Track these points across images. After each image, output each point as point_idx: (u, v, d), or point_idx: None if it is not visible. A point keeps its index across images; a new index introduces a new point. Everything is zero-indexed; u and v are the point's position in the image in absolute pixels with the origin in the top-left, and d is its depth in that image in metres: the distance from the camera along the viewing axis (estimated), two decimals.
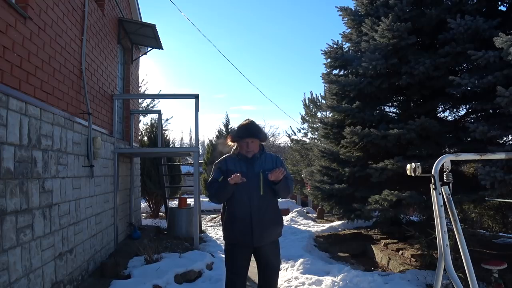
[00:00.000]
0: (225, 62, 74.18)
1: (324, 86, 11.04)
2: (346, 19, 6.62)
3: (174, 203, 11.14)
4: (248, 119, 2.86)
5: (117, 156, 5.90)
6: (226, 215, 2.77)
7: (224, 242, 2.89)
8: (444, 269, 1.90)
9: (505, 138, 5.15)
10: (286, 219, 10.53)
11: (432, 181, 1.93)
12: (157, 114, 9.19)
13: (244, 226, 2.65)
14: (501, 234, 7.23)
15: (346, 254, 6.66)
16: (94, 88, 4.98)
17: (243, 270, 2.76)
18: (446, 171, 1.97)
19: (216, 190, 2.69)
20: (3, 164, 2.66)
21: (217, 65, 73.23)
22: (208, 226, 10.00)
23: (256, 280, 2.95)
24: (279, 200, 3.10)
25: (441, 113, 6.33)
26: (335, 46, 6.74)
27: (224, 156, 2.87)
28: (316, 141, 13.55)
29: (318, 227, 9.33)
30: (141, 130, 10.52)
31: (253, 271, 2.97)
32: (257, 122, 2.89)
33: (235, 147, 2.85)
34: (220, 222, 2.98)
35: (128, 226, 6.81)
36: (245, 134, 2.73)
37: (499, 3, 5.22)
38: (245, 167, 2.73)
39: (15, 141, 2.84)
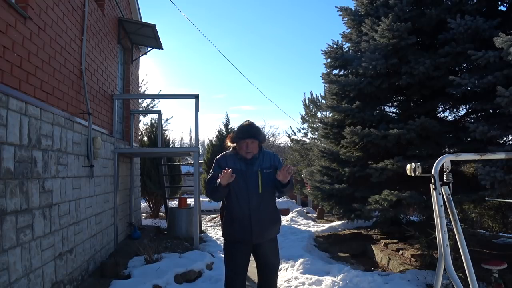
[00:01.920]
0: (225, 62, 74.24)
1: (324, 86, 11.03)
2: (346, 19, 6.62)
3: (174, 203, 11.14)
4: (248, 120, 2.86)
5: (117, 156, 5.90)
6: (225, 213, 2.77)
7: (223, 240, 2.89)
8: (444, 269, 1.90)
9: (505, 138, 5.15)
10: (286, 219, 10.53)
11: (432, 181, 1.93)
12: (157, 114, 9.19)
13: (243, 225, 2.66)
14: (501, 234, 7.23)
15: (346, 254, 6.66)
16: (94, 88, 4.98)
17: (242, 268, 2.76)
18: (446, 171, 1.97)
19: (212, 189, 2.70)
20: (3, 164, 2.66)
21: (217, 65, 73.22)
22: (208, 226, 10.00)
23: (256, 280, 2.95)
24: (280, 199, 3.11)
25: (441, 113, 6.34)
26: (335, 46, 6.74)
27: (224, 153, 2.87)
28: (316, 141, 13.54)
29: (318, 227, 9.33)
30: (141, 130, 10.52)
31: (253, 271, 2.97)
32: (257, 122, 2.90)
33: (233, 147, 2.84)
34: (220, 222, 2.97)
35: (128, 226, 6.81)
36: (245, 135, 2.73)
37: (499, 3, 5.22)
38: (244, 165, 2.74)
39: (15, 141, 2.84)
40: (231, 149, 2.86)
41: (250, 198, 2.67)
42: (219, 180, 2.56)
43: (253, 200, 2.67)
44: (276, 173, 2.65)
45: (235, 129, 2.88)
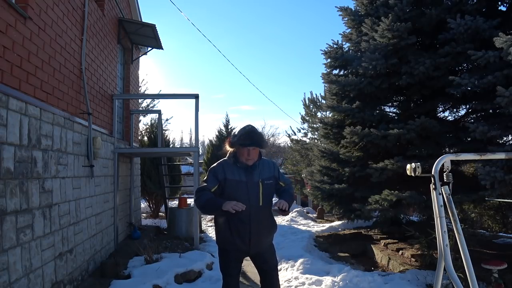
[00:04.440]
0: (225, 62, 74.27)
1: (324, 86, 11.05)
2: (346, 19, 6.62)
3: (174, 203, 11.14)
4: (250, 125, 2.70)
5: (117, 156, 5.90)
6: (223, 221, 2.67)
7: (218, 245, 2.84)
8: (444, 269, 1.90)
9: (505, 138, 5.15)
10: (286, 219, 10.53)
11: (432, 181, 1.93)
12: (157, 114, 9.19)
13: (242, 236, 2.60)
14: (501, 234, 7.23)
15: (346, 254, 6.66)
16: (94, 88, 4.98)
17: (238, 271, 2.79)
18: (446, 171, 1.97)
19: (205, 202, 2.56)
20: (3, 164, 2.66)
21: (217, 65, 73.37)
22: (208, 226, 10.00)
23: (256, 280, 2.95)
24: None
25: (441, 113, 6.34)
26: (335, 46, 6.74)
27: (221, 161, 2.73)
28: (316, 141, 13.54)
29: (318, 227, 9.33)
30: (141, 130, 10.52)
31: (252, 271, 2.98)
32: (257, 122, 2.84)
33: (230, 151, 2.72)
34: (215, 227, 2.93)
35: (128, 226, 6.81)
36: (248, 142, 2.56)
37: (499, 3, 5.21)
38: (244, 175, 2.62)
39: (15, 141, 2.84)
40: (228, 155, 2.72)
41: (250, 210, 2.57)
42: (223, 206, 2.41)
43: (253, 212, 2.58)
44: (277, 202, 2.59)
45: (235, 133, 2.70)
